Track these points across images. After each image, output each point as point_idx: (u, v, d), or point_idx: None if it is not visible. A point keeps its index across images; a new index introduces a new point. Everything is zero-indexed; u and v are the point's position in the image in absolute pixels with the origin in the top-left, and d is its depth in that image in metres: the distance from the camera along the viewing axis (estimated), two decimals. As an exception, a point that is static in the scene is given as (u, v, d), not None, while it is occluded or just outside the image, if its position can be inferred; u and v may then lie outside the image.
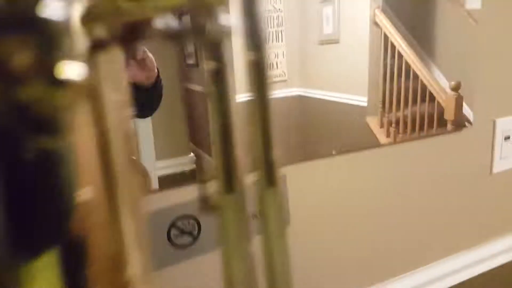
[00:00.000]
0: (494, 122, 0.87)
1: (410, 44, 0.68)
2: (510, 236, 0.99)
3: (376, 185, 0.78)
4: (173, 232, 0.59)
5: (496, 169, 0.91)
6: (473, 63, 0.80)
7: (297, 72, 0.62)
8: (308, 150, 0.67)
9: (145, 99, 0.52)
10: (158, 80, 0.51)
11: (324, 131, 0.67)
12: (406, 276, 0.86)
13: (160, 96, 0.52)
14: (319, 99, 0.64)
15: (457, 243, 0.91)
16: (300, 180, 0.68)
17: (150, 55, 0.50)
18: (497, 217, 0.97)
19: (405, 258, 0.86)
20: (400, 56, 0.69)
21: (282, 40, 0.60)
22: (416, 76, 0.71)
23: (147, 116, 0.53)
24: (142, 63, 0.50)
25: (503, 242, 0.97)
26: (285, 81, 0.61)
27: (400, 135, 0.74)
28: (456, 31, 0.74)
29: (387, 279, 0.83)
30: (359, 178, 0.75)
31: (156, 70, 0.51)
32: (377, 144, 0.72)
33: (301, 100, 0.63)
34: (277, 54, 0.60)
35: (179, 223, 0.60)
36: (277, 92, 0.62)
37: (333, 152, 0.69)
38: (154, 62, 0.50)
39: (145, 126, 0.55)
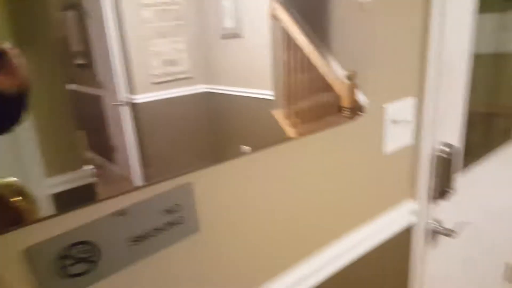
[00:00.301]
0: (383, 108, 0.95)
1: (308, 36, 0.70)
2: (402, 206, 1.11)
3: (286, 178, 0.79)
4: (66, 262, 0.53)
5: (387, 149, 1.00)
6: (364, 53, 0.86)
7: (202, 68, 0.59)
8: (217, 150, 0.65)
9: (7, 109, 0.45)
10: (24, 88, 0.45)
11: (234, 127, 0.65)
12: (322, 253, 0.91)
13: (24, 107, 0.46)
14: (227, 94, 0.63)
15: (359, 218, 1.00)
16: (211, 183, 0.66)
17: (16, 59, 0.44)
18: (390, 192, 1.07)
19: (318, 239, 0.90)
20: (300, 48, 0.70)
21: (182, 35, 0.56)
22: (315, 67, 0.73)
23: (9, 131, 0.45)
24: (3, 68, 0.44)
25: (397, 211, 1.09)
26: (189, 78, 0.58)
27: (304, 125, 0.76)
28: (349, 21, 0.79)
29: (301, 260, 0.87)
30: (270, 174, 0.75)
31: (22, 76, 0.45)
32: (284, 137, 0.73)
33: (208, 97, 0.60)
34: (178, 50, 0.56)
35: (73, 251, 0.53)
36: (181, 90, 0.58)
37: (244, 150, 0.68)
38: (22, 66, 0.44)
39: (26, 140, 0.47)
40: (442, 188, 1.21)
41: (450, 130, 1.22)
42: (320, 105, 0.77)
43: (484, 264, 1.78)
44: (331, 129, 0.84)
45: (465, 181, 1.38)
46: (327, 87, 0.76)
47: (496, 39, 1.53)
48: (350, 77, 0.78)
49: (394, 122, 0.99)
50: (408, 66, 0.99)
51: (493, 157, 1.54)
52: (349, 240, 0.96)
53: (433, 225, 1.26)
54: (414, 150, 1.09)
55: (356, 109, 0.84)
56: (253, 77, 0.65)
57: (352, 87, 0.79)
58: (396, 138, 1.01)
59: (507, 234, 1.87)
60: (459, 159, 1.32)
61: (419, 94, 1.04)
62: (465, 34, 1.15)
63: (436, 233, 1.29)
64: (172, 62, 0.56)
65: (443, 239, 1.37)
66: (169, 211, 0.61)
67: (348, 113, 0.82)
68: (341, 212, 0.93)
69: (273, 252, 0.81)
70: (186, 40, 0.57)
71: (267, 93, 0.68)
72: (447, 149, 1.16)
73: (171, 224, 0.62)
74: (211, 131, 0.63)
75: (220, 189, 0.68)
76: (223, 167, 0.67)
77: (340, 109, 0.81)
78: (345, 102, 0.80)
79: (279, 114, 0.70)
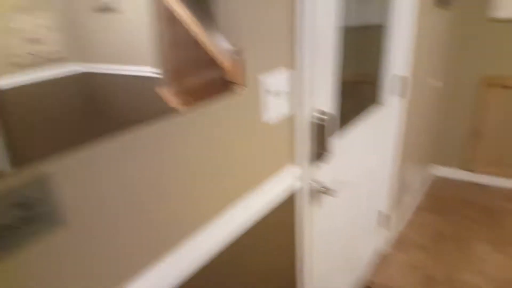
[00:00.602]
0: (261, 80, 0.98)
1: (191, 10, 0.68)
2: (286, 172, 1.18)
3: (171, 155, 0.78)
4: None
5: (268, 119, 1.04)
6: (241, 26, 0.87)
7: (75, 46, 0.53)
8: (94, 134, 0.60)
9: None
10: None
11: (117, 109, 0.61)
12: (209, 228, 0.92)
13: None
14: (107, 74, 0.58)
15: (245, 188, 1.04)
16: (82, 170, 0.61)
17: None
18: (273, 159, 1.13)
19: (202, 215, 0.91)
20: (183, 23, 0.68)
21: (46, 10, 0.50)
22: (200, 42, 0.72)
23: None
24: None
25: (281, 177, 1.16)
26: (61, 58, 0.52)
27: (192, 101, 0.75)
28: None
29: (188, 238, 0.87)
30: (151, 153, 0.73)
31: None
32: (170, 113, 0.71)
33: (85, 77, 0.55)
34: (44, 26, 0.50)
35: None
36: (53, 72, 0.52)
37: (127, 132, 0.64)
38: None
39: None
40: (320, 151, 1.32)
41: (324, 98, 1.33)
42: (207, 81, 0.76)
43: (363, 215, 2.03)
44: (216, 104, 0.84)
45: (341, 144, 1.53)
46: (213, 62, 0.76)
47: (363, 12, 1.69)
48: (235, 52, 0.79)
49: (272, 92, 1.04)
50: (280, 38, 1.02)
51: (362, 120, 1.73)
52: (236, 211, 0.99)
53: (315, 186, 1.37)
54: (292, 118, 1.16)
55: (239, 83, 0.86)
56: (135, 55, 0.61)
57: (237, 61, 0.80)
58: (276, 108, 1.07)
59: (377, 187, 2.14)
60: (334, 125, 1.45)
61: (292, 65, 1.10)
62: (333, 7, 1.24)
63: (319, 193, 1.41)
64: (38, 41, 0.50)
65: (326, 198, 1.50)
66: (21, 205, 0.54)
67: (233, 87, 0.83)
68: (226, 184, 0.95)
69: (154, 235, 0.77)
70: (52, 15, 0.50)
71: (152, 71, 0.64)
72: (322, 116, 1.26)
73: (25, 219, 0.55)
74: (89, 114, 0.58)
75: (93, 176, 0.63)
76: (96, 151, 0.62)
77: (226, 83, 0.81)
78: (231, 76, 0.81)
79: (165, 92, 0.67)
